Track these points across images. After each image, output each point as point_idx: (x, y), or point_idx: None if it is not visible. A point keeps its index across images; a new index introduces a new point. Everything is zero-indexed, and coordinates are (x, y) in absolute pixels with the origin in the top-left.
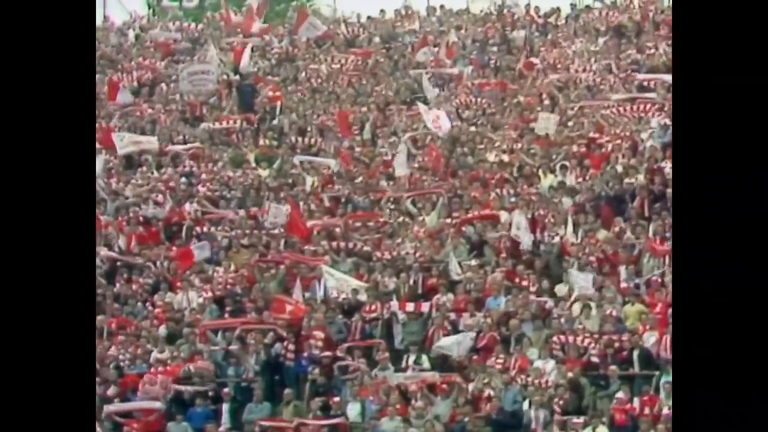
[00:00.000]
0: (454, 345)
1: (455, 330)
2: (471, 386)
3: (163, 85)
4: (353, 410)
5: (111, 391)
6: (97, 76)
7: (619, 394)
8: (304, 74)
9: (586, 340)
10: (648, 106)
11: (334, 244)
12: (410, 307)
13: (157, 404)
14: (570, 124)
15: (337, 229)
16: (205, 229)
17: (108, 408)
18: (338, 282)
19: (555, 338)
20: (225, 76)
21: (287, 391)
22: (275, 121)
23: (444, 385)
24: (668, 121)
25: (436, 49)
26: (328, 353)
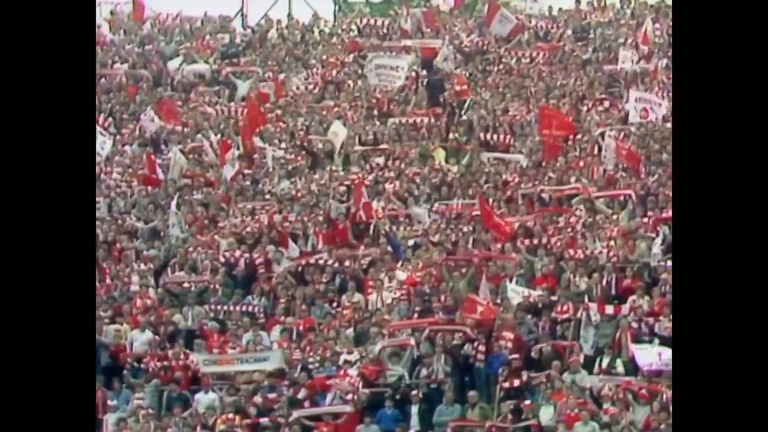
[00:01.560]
0: (649, 354)
1: (651, 334)
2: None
3: (350, 81)
4: (546, 414)
5: (301, 394)
6: (283, 74)
7: None
8: (494, 68)
9: None
10: None
11: (527, 242)
12: (609, 309)
13: (347, 407)
14: None
15: (534, 227)
16: (393, 227)
17: (298, 412)
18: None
19: None
20: (413, 71)
21: (472, 393)
22: (464, 116)
23: (643, 391)
24: None
25: (631, 43)
26: (517, 355)
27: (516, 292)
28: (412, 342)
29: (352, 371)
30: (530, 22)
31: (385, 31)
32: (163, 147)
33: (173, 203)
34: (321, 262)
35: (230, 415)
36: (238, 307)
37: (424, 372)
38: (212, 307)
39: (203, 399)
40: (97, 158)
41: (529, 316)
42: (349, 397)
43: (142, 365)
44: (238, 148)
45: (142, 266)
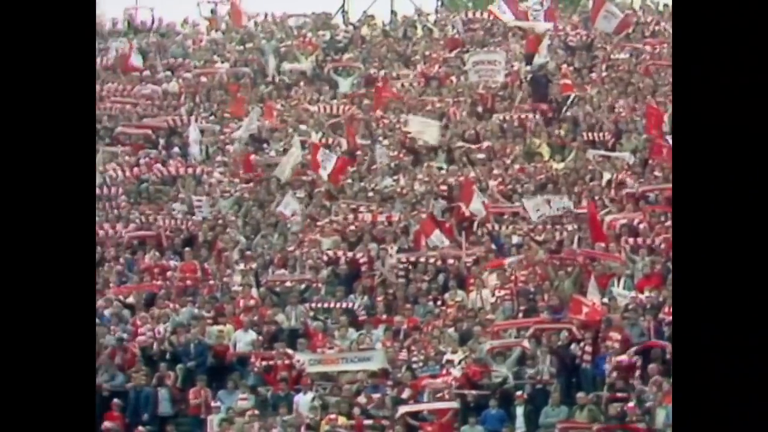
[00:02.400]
0: None
1: None
2: None
3: (453, 77)
4: (659, 416)
5: (405, 393)
6: (383, 71)
7: None
8: (601, 64)
9: None
10: None
11: (631, 241)
12: None
13: (453, 405)
14: None
15: (641, 226)
16: (496, 225)
17: (402, 409)
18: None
19: None
20: (516, 66)
21: (580, 394)
22: (568, 113)
23: None
24: None
25: None
26: (625, 356)
27: (622, 295)
28: (525, 343)
29: (456, 371)
30: (637, 17)
31: (488, 25)
32: (264, 145)
33: (286, 198)
34: (423, 260)
35: (333, 416)
36: (340, 305)
37: (529, 372)
38: (315, 305)
39: (302, 400)
40: (195, 159)
41: (638, 317)
42: (448, 396)
43: (246, 365)
44: (340, 146)
45: (244, 266)
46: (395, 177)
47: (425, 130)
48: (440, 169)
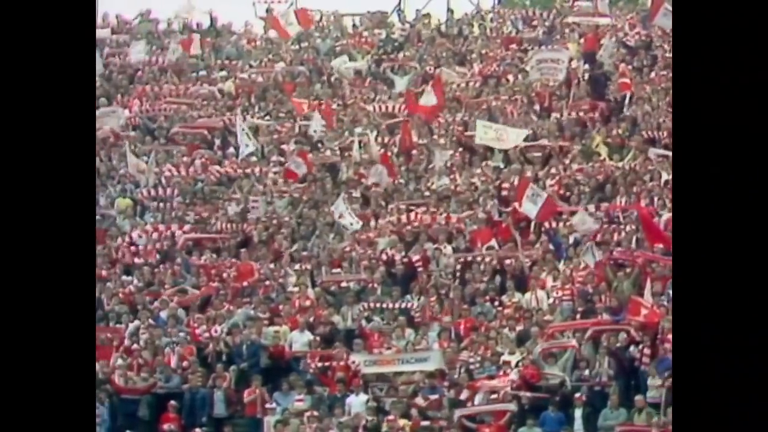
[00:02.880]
0: None
1: None
2: None
3: (510, 76)
4: None
5: (463, 395)
6: (441, 68)
7: None
8: (660, 63)
9: None
10: None
11: None
12: None
13: (510, 407)
14: None
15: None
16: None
17: (458, 411)
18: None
19: None
20: (574, 64)
21: (638, 397)
22: (627, 112)
23: None
24: None
25: None
26: None
27: None
28: (574, 343)
29: (513, 373)
30: None
31: (548, 23)
32: (319, 145)
33: (339, 200)
34: (479, 259)
35: (391, 417)
36: (396, 305)
37: (586, 374)
38: (370, 305)
39: (355, 401)
40: (243, 156)
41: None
42: (510, 397)
43: (302, 366)
44: (396, 145)
45: (299, 266)
46: (451, 176)
47: (502, 136)
48: (497, 168)
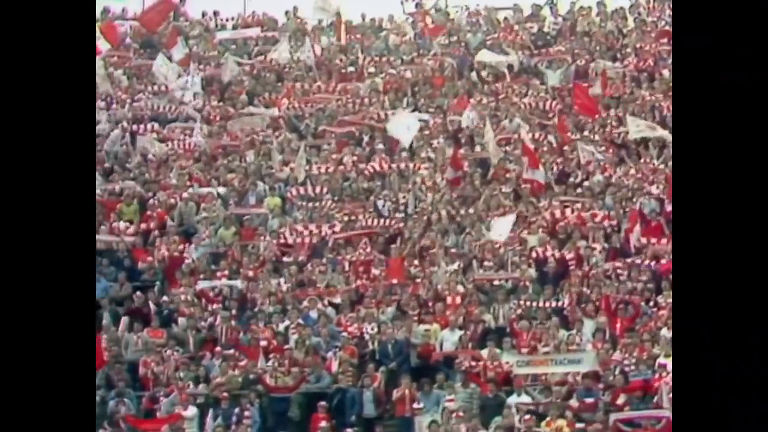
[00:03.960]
0: None
1: None
2: None
3: (665, 70)
4: None
5: (620, 399)
6: (596, 61)
7: None
8: None
9: None
10: None
11: None
12: None
13: (666, 413)
14: None
15: None
16: None
17: (614, 416)
18: None
19: None
20: None
21: None
22: None
23: None
24: None
25: None
26: None
27: None
28: None
29: (668, 377)
30: None
31: None
32: (471, 140)
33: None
34: (629, 259)
35: (549, 419)
36: (548, 304)
37: None
38: (522, 303)
39: (510, 401)
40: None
41: None
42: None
43: (452, 366)
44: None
45: (450, 263)
46: (605, 173)
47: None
48: (652, 164)
